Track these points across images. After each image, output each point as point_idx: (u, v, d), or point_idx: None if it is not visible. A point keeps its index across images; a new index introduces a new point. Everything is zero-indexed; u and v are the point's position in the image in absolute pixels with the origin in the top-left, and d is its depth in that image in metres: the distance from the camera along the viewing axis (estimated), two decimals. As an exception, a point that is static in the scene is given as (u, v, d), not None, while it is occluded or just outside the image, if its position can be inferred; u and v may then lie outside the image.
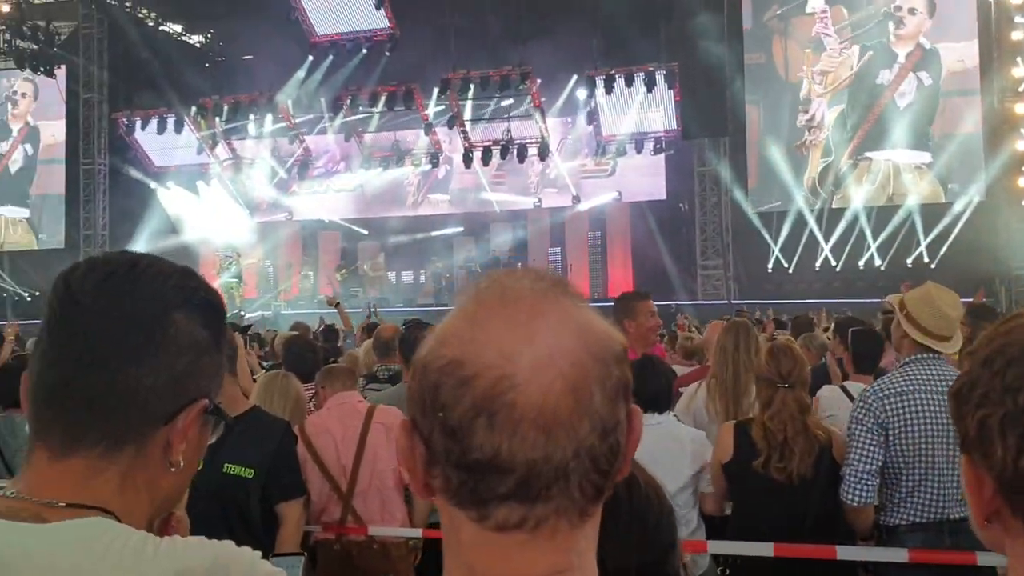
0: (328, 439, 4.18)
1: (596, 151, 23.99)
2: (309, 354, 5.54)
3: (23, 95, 27.70)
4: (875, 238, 21.25)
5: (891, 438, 3.52)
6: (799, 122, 22.53)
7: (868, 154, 21.88)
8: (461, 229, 25.57)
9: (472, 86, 22.70)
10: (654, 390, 3.80)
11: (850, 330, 4.88)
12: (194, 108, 24.65)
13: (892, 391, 3.56)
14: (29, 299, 25.11)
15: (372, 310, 15.62)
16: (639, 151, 23.27)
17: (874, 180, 21.69)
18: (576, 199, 24.51)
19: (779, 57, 22.92)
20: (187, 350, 1.12)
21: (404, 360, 4.98)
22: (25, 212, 27.62)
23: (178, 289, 1.14)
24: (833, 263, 21.66)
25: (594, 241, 24.66)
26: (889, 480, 3.60)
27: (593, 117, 23.41)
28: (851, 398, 4.43)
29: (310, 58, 24.41)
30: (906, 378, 3.58)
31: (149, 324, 1.10)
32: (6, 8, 24.09)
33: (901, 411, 3.51)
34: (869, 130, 21.86)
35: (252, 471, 3.46)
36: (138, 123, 25.33)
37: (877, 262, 21.25)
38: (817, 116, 22.52)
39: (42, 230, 27.40)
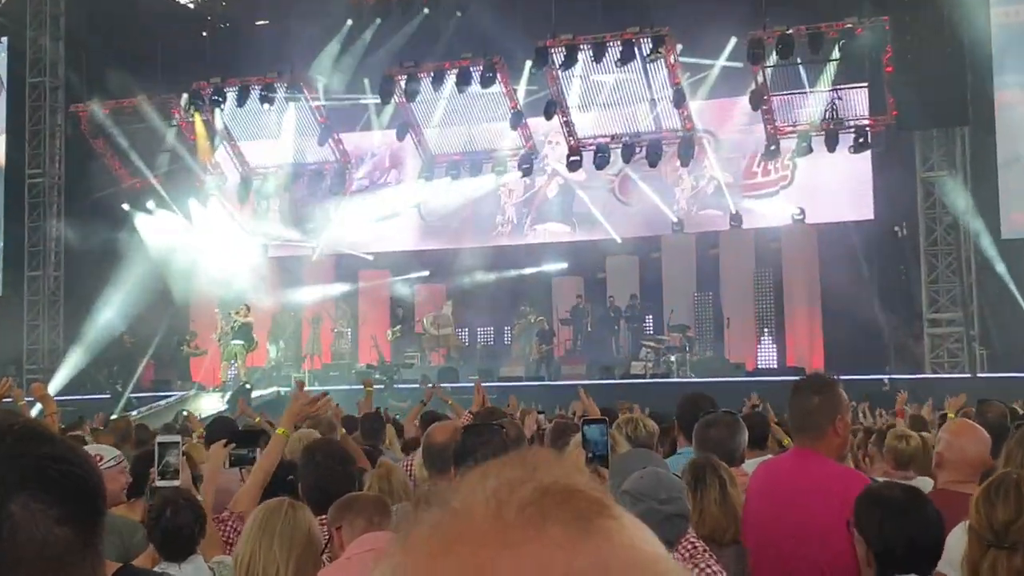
0: (347, 609, 4.06)
1: (766, 149, 23.73)
2: (339, 468, 5.50)
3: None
4: None
5: None
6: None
7: None
8: (565, 266, 25.76)
9: (580, 57, 23.04)
10: (923, 544, 3.78)
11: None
12: (185, 96, 25.38)
13: None
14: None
15: (430, 386, 14.72)
16: (831, 149, 22.86)
17: None
18: (736, 220, 24.19)
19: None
20: (29, 560, 1.13)
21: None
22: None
23: (12, 462, 1.15)
24: None
25: (763, 282, 24.33)
26: None
27: (761, 99, 22.99)
28: None
29: (349, 22, 25.11)
30: None
31: None
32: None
33: None
34: None
35: None
36: (107, 118, 25.75)
37: None
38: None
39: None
